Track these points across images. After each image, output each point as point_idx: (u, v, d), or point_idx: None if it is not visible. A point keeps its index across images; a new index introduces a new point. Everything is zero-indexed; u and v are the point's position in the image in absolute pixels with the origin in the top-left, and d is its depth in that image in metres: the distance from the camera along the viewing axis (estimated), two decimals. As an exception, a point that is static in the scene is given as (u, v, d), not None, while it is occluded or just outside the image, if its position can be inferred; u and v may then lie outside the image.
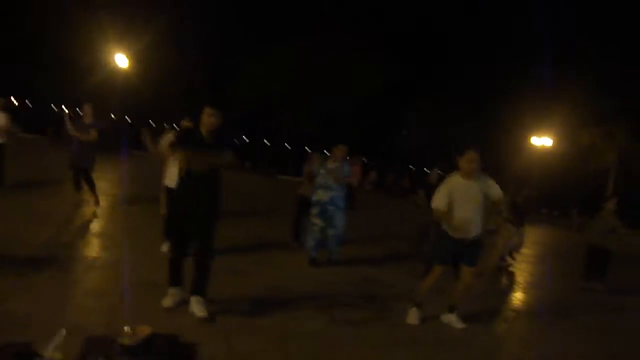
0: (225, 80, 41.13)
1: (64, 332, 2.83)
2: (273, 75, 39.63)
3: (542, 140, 30.14)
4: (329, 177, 8.29)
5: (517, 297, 9.27)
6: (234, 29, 40.55)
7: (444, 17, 41.94)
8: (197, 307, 5.25)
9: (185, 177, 5.24)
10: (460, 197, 5.88)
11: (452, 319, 6.34)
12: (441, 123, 38.37)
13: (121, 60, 29.59)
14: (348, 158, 9.35)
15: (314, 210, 8.43)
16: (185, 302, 5.38)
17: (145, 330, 2.83)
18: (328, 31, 37.58)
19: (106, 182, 14.01)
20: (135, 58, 31.95)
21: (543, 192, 34.68)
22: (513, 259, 11.57)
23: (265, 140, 49.35)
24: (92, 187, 10.11)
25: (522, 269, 11.89)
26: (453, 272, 6.64)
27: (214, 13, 39.27)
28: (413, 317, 6.20)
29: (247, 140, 51.05)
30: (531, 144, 31.31)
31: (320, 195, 8.38)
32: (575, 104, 29.68)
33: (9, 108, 10.71)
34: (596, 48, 30.12)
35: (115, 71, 30.23)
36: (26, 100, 46.58)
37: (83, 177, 9.98)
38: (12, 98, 39.82)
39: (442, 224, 6.16)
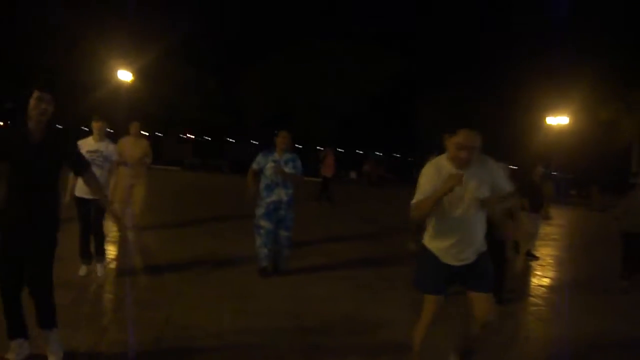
0: (238, 89, 40.22)
1: None
2: (286, 80, 38.49)
3: (557, 120, 28.11)
4: (275, 173, 6.81)
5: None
6: (243, 37, 39.73)
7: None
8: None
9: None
10: (449, 197, 3.61)
11: None
12: (456, 110, 36.90)
13: (124, 75, 28.43)
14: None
15: (260, 211, 6.91)
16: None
17: None
18: (337, 33, 36.75)
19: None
20: (143, 73, 31.01)
21: (571, 172, 33.06)
22: (533, 255, 9.95)
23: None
24: None
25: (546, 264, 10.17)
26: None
27: (223, 22, 38.51)
28: None
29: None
30: (547, 124, 29.28)
31: (279, 195, 6.88)
32: (592, 80, 27.89)
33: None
34: (616, 18, 28.25)
35: (119, 86, 29.09)
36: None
37: None
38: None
39: (424, 239, 3.96)
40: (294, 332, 4.98)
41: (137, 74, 30.22)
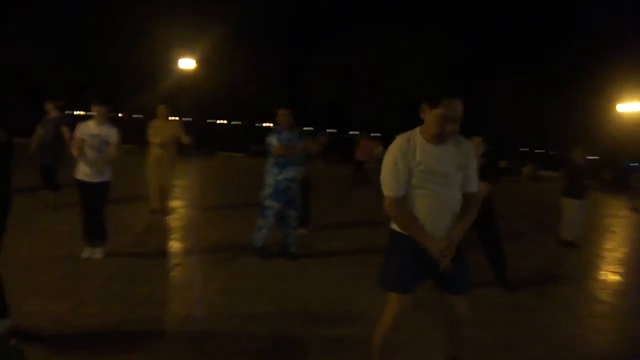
0: (301, 74, 40.08)
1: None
2: (348, 66, 37.93)
3: (630, 106, 26.10)
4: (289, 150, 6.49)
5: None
6: (306, 22, 39.53)
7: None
8: None
9: None
10: (425, 172, 3.07)
11: None
12: (523, 100, 35.44)
13: (188, 64, 28.74)
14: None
15: (268, 190, 6.57)
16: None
17: None
18: (403, 18, 35.88)
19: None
20: (207, 61, 31.31)
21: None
22: (577, 245, 9.07)
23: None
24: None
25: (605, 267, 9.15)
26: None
27: (283, 10, 38.42)
28: None
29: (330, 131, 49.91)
30: (617, 111, 27.29)
31: (290, 173, 6.53)
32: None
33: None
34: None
35: (183, 75, 29.46)
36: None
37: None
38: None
39: (393, 223, 3.28)
40: (278, 317, 4.66)
41: (202, 62, 30.50)
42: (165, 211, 9.26)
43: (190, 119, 36.18)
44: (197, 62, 29.39)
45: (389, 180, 3.11)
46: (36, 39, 32.75)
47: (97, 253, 6.15)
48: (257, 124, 50.87)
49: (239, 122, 48.62)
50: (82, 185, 6.02)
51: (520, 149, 49.93)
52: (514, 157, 41.33)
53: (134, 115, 35.63)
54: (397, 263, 3.21)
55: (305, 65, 39.59)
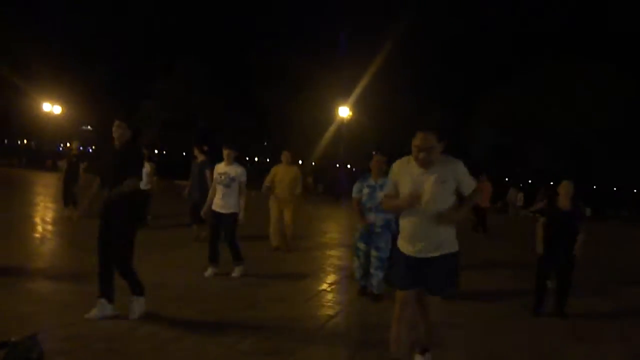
0: (466, 118, 39.04)
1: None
2: (515, 108, 36.02)
3: None
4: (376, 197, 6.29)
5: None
6: (466, 67, 38.77)
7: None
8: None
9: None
10: (409, 190, 3.83)
11: None
12: None
13: (343, 111, 29.65)
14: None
15: (357, 234, 6.59)
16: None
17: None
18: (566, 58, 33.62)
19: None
20: (362, 108, 32.01)
21: None
22: None
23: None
24: None
25: None
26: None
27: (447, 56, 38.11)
28: None
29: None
30: None
31: (370, 219, 6.37)
32: None
33: (153, 159, 11.72)
34: None
35: (339, 122, 30.44)
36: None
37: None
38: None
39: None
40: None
41: (356, 108, 31.16)
42: (286, 248, 9.62)
43: (343, 165, 37.16)
44: (352, 110, 30.14)
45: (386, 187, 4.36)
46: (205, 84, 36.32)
47: (235, 272, 7.07)
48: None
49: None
50: (214, 215, 6.99)
51: None
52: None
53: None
54: (395, 268, 4.17)
55: (467, 109, 38.33)
